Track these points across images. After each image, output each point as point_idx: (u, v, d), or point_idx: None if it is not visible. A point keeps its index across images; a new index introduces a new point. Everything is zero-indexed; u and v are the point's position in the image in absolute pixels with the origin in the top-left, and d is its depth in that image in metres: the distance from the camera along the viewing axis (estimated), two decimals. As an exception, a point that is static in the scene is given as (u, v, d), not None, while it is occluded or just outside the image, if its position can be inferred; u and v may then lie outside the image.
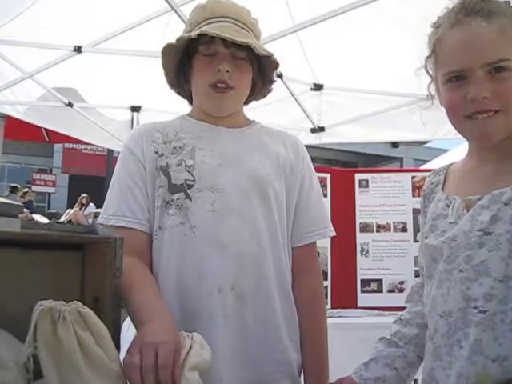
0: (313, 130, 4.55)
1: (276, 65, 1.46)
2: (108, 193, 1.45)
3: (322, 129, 4.51)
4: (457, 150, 4.66)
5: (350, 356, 2.31)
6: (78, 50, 3.46)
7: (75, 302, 0.98)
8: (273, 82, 1.53)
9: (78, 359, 0.93)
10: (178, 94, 1.54)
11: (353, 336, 2.39)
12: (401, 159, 20.01)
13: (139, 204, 1.40)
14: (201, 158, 1.41)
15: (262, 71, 1.48)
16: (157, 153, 1.42)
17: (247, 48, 1.38)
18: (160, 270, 1.38)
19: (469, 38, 1.12)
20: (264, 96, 1.55)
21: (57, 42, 3.56)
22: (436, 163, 7.14)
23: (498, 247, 1.08)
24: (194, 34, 1.35)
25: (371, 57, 3.65)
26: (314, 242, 1.53)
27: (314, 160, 1.57)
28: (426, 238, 1.24)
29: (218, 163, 1.41)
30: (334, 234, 1.54)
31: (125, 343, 1.24)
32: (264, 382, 1.37)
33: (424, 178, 2.95)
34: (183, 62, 1.45)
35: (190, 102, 1.54)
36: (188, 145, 1.43)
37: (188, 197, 1.37)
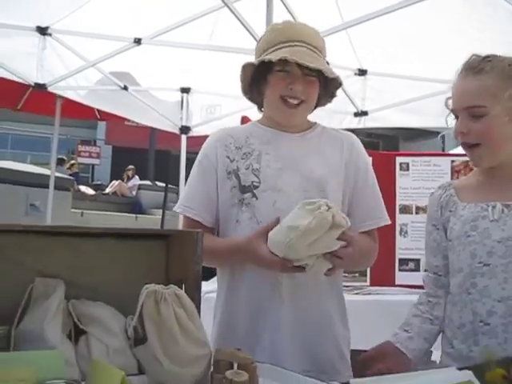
0: (356, 114, 4.69)
1: (339, 84, 1.67)
2: (185, 186, 1.77)
3: (365, 113, 4.66)
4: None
5: (386, 328, 2.53)
6: (137, 41, 3.74)
7: (172, 285, 1.23)
8: (334, 96, 1.73)
9: (175, 330, 1.17)
10: (249, 99, 1.76)
11: (388, 311, 2.58)
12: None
13: (202, 201, 1.69)
14: (266, 163, 1.65)
15: (325, 86, 1.67)
16: (228, 157, 1.68)
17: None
18: None
19: (458, 89, 1.51)
20: (324, 105, 1.75)
21: (115, 34, 3.83)
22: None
23: None
24: (275, 58, 1.55)
25: (415, 42, 3.75)
26: (373, 229, 1.71)
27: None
28: (469, 236, 1.50)
29: (279, 167, 1.64)
30: (387, 222, 1.72)
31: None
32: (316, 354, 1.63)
33: (463, 163, 3.02)
34: (257, 76, 1.66)
35: (259, 108, 1.76)
36: (256, 150, 1.67)
37: (254, 196, 1.63)
